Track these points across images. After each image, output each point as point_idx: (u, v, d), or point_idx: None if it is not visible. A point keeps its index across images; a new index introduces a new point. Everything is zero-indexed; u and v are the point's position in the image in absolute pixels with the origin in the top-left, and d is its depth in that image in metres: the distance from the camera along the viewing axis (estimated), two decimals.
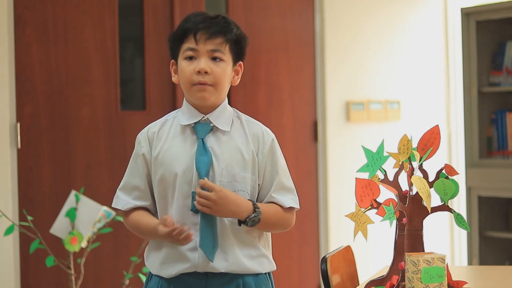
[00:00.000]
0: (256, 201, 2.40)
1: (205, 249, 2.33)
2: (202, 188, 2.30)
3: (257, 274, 2.41)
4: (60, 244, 3.78)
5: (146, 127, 2.48)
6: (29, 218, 3.61)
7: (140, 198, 2.42)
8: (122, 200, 2.43)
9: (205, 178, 2.32)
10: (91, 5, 4.22)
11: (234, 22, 2.44)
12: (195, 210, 2.34)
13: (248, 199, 2.36)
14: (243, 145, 2.40)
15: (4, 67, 3.94)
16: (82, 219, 3.72)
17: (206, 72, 2.35)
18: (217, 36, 2.36)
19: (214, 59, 2.37)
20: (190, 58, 2.37)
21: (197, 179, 2.34)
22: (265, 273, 2.44)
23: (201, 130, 2.39)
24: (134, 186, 2.42)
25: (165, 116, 2.49)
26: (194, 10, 4.41)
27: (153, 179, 2.41)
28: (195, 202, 2.31)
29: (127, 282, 3.84)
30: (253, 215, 2.33)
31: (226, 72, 2.38)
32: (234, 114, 2.45)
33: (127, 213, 2.44)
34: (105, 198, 4.05)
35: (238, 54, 2.42)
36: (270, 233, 2.48)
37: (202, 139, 2.38)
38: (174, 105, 4.39)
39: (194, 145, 2.38)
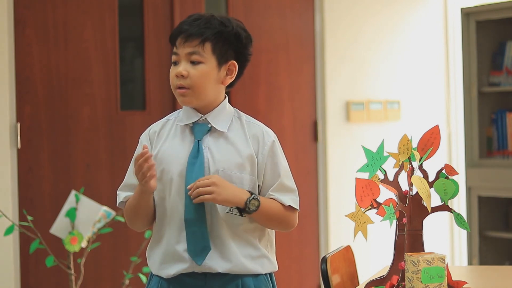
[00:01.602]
0: None
1: (191, 253, 2.33)
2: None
3: (257, 275, 2.40)
4: (60, 244, 3.78)
5: (148, 127, 2.49)
6: (29, 218, 3.61)
7: None
8: (122, 195, 2.44)
9: None
10: (91, 5, 4.22)
11: (227, 20, 2.39)
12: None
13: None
14: (242, 146, 2.39)
15: (4, 67, 3.94)
16: (82, 219, 3.72)
17: (183, 76, 2.35)
18: (194, 38, 2.35)
19: (193, 62, 2.36)
20: (175, 63, 2.39)
21: (187, 182, 2.34)
22: (266, 274, 2.43)
23: (198, 130, 2.40)
24: (132, 185, 2.43)
25: (168, 116, 2.50)
26: (194, 10, 4.43)
27: None
28: (193, 193, 2.31)
29: (127, 282, 3.84)
30: (252, 196, 2.32)
31: (206, 73, 2.36)
32: (235, 114, 2.45)
33: (125, 204, 2.45)
34: (105, 198, 4.05)
35: (225, 53, 2.38)
36: (273, 234, 2.47)
37: (199, 140, 2.38)
38: (174, 105, 4.39)
39: (192, 145, 2.38)
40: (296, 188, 2.44)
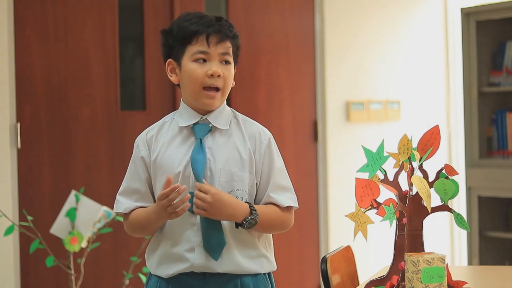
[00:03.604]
0: (255, 201, 2.41)
1: (207, 250, 2.33)
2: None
3: (256, 275, 2.41)
4: (60, 244, 3.79)
5: (144, 131, 2.47)
6: (29, 218, 3.61)
7: (141, 200, 2.41)
8: (123, 203, 2.42)
9: (204, 181, 2.32)
10: (91, 5, 4.22)
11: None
12: (192, 211, 2.34)
13: (245, 201, 2.36)
14: (241, 145, 2.40)
15: (4, 67, 3.94)
16: (82, 219, 3.72)
17: (218, 76, 2.36)
18: (227, 40, 2.38)
19: (224, 62, 2.38)
20: (203, 60, 2.38)
21: (194, 179, 2.34)
22: (265, 274, 2.44)
23: (199, 130, 2.39)
24: (134, 189, 2.42)
25: (163, 118, 2.48)
26: (194, 10, 4.43)
27: (153, 182, 2.41)
28: (194, 202, 2.32)
29: (127, 282, 3.84)
30: (249, 217, 2.33)
31: (232, 74, 2.42)
32: (232, 114, 2.46)
33: (127, 215, 2.43)
34: (105, 198, 4.05)
35: (237, 58, 2.45)
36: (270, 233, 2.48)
37: (201, 139, 2.38)
38: (174, 105, 4.39)
39: (192, 147, 2.38)
40: (292, 186, 2.45)
